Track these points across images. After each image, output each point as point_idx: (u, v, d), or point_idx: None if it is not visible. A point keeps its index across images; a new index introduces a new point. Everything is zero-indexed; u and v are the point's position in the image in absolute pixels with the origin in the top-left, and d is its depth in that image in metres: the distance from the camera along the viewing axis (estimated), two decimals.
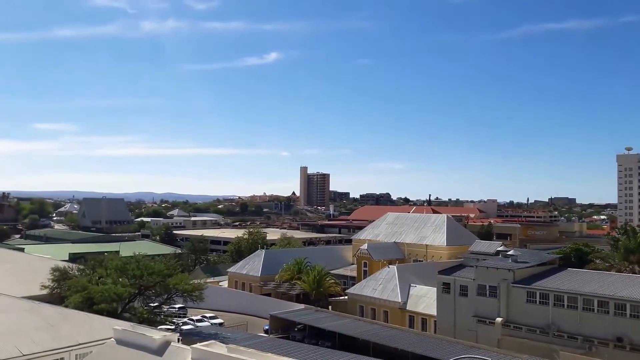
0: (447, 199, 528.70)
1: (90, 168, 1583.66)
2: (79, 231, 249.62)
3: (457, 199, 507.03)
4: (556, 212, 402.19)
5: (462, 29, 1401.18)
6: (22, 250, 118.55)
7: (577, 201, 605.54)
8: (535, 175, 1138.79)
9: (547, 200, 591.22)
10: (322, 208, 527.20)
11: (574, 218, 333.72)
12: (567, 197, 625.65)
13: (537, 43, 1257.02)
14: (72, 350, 41.12)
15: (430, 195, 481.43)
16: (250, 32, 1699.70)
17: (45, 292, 62.07)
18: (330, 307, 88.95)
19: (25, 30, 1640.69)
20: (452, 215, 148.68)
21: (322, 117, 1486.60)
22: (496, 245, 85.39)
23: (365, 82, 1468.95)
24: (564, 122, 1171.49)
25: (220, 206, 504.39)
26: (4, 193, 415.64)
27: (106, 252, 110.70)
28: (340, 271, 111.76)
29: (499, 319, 62.23)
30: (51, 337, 41.20)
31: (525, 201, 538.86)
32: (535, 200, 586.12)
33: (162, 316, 65.81)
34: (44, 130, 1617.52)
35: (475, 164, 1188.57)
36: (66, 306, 52.56)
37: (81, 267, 67.83)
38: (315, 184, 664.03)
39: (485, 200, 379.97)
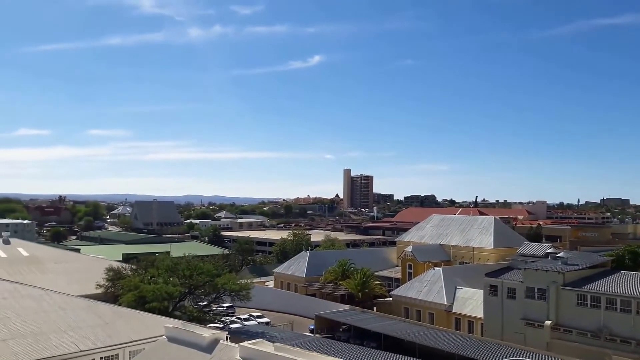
0: (494, 201, 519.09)
1: (141, 172, 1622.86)
2: (132, 233, 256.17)
3: (505, 201, 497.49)
4: (608, 214, 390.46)
5: (507, 27, 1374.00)
6: (78, 250, 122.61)
7: (631, 202, 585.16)
8: (586, 176, 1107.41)
9: (599, 202, 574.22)
10: (366, 210, 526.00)
11: (627, 219, 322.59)
12: (620, 198, 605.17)
13: (588, 40, 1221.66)
14: (126, 347, 42.57)
15: (476, 196, 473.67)
16: (294, 36, 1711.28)
17: (100, 291, 64.18)
18: (374, 308, 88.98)
19: (78, 39, 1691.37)
20: (500, 217, 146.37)
21: (366, 119, 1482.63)
22: (545, 248, 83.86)
23: (409, 84, 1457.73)
24: (617, 121, 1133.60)
25: (265, 208, 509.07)
26: (60, 196, 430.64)
27: (157, 252, 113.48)
28: (385, 273, 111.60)
29: (548, 322, 61.21)
30: (107, 334, 42.76)
31: (575, 202, 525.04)
32: (586, 202, 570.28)
33: (211, 315, 67.27)
34: (97, 136, 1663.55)
35: (524, 164, 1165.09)
36: (120, 305, 54.27)
37: (134, 267, 69.87)
38: (358, 186, 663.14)
39: (534, 201, 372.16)
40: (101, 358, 40.99)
